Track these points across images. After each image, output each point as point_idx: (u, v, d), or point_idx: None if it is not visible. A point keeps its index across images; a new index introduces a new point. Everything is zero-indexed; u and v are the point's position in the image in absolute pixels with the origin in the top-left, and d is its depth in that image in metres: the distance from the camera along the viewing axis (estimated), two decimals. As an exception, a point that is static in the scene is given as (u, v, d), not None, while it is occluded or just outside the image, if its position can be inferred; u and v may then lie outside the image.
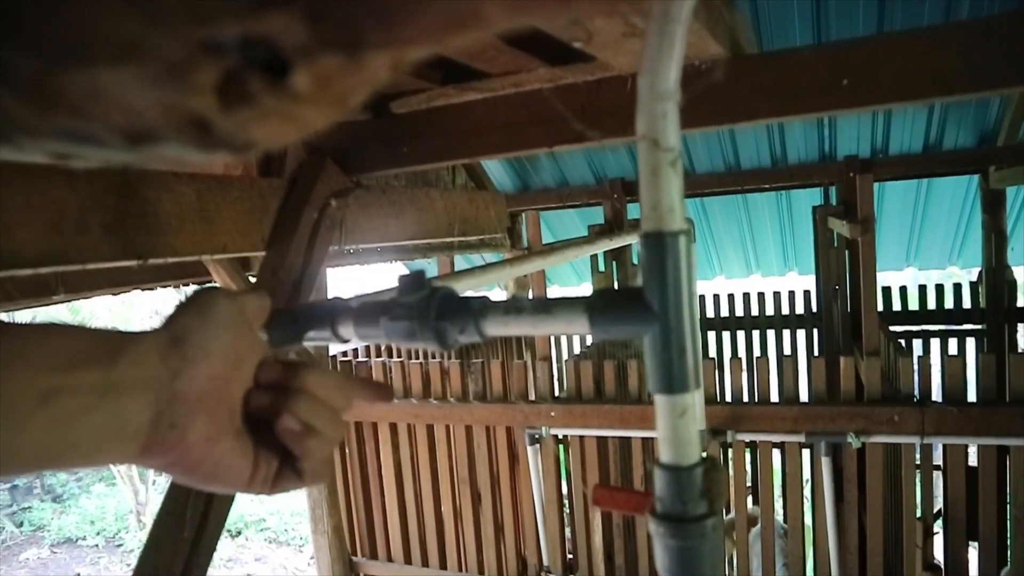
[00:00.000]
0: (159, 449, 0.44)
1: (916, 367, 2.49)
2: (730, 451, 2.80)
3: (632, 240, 3.14)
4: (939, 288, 4.49)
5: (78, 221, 1.23)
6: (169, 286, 2.59)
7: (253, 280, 2.15)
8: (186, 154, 0.32)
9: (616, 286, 3.87)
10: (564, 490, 3.19)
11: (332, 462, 0.55)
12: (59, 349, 0.40)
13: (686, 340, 0.55)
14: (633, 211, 4.13)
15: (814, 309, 4.48)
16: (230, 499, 1.64)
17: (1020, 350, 4.12)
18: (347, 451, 3.40)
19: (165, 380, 0.43)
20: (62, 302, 2.09)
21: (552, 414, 2.92)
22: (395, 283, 0.62)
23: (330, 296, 0.74)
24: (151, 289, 2.53)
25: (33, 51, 0.27)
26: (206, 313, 0.47)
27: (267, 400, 0.51)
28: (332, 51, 0.27)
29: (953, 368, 2.43)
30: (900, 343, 2.93)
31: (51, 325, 0.41)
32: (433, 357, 3.60)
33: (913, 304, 4.55)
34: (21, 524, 8.90)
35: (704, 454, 0.59)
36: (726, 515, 3.26)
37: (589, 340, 4.26)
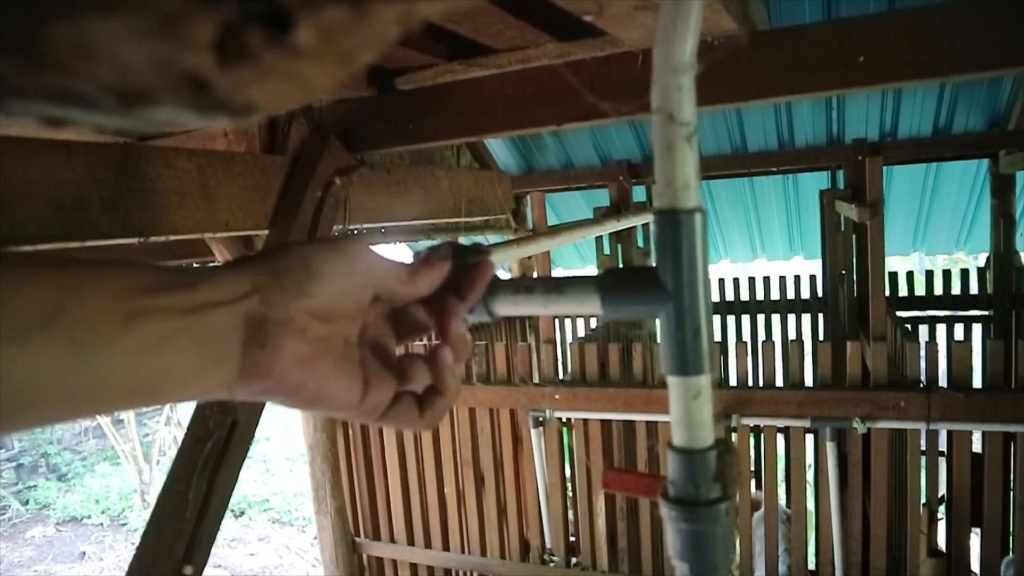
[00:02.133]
0: (254, 373, 0.43)
1: (923, 352, 2.48)
2: (734, 435, 2.79)
3: (638, 222, 3.12)
4: (946, 274, 4.46)
5: (77, 197, 1.21)
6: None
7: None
8: (183, 117, 0.30)
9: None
10: (567, 473, 3.19)
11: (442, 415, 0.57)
12: (136, 277, 0.39)
13: (700, 320, 0.54)
14: (639, 193, 4.10)
15: (819, 294, 4.46)
16: (233, 479, 1.63)
17: (1027, 337, 4.09)
18: (350, 432, 3.40)
19: (255, 302, 0.43)
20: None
21: (556, 397, 2.91)
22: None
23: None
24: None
25: (18, 2, 0.25)
26: (310, 262, 0.46)
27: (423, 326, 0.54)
28: (338, 3, 0.25)
29: (960, 354, 2.42)
30: (907, 328, 2.91)
31: (126, 260, 0.40)
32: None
33: (919, 290, 4.52)
34: (27, 502, 8.97)
35: (716, 437, 0.57)
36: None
37: (594, 323, 4.25)
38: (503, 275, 0.87)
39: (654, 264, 0.55)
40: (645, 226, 4.01)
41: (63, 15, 0.25)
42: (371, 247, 0.51)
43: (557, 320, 4.73)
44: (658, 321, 0.55)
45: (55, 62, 0.26)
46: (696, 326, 0.54)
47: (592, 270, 5.03)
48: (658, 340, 0.57)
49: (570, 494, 3.24)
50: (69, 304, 0.35)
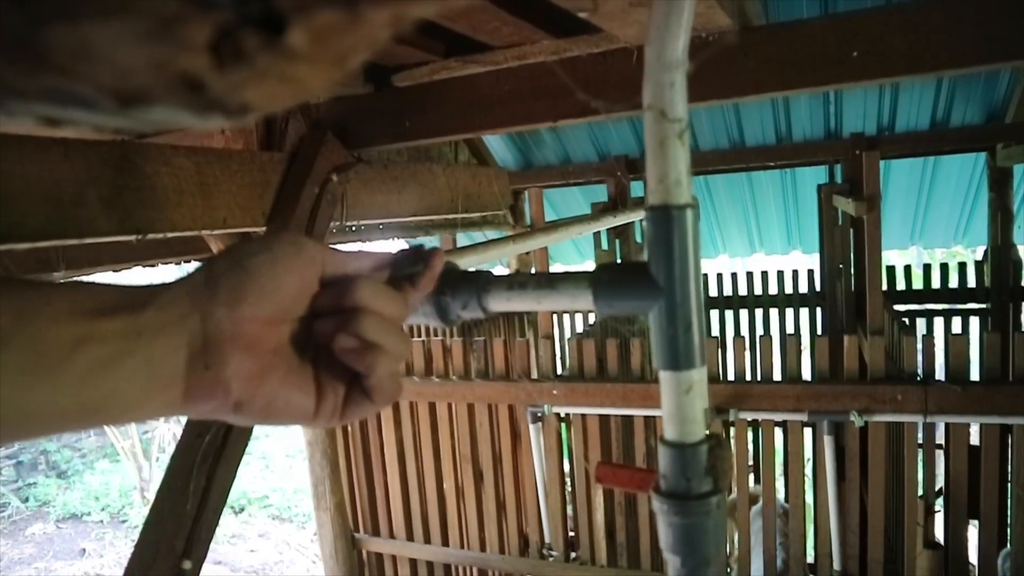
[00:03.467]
0: (200, 394, 0.43)
1: (920, 346, 2.48)
2: (732, 429, 2.80)
3: (636, 217, 3.13)
4: (943, 267, 4.47)
5: (75, 194, 1.21)
6: (170, 262, 2.58)
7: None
8: (180, 118, 0.31)
9: (619, 264, 3.85)
10: (566, 468, 3.20)
11: (400, 379, 0.54)
12: (85, 300, 0.39)
13: (692, 315, 0.54)
14: (637, 189, 4.11)
15: (817, 288, 4.47)
16: (232, 474, 1.64)
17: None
18: (349, 429, 3.41)
19: (196, 322, 0.43)
20: (63, 279, 2.09)
21: (555, 392, 2.92)
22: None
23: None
24: (152, 265, 2.52)
25: (17, 5, 0.26)
26: (242, 259, 0.46)
27: (328, 326, 0.49)
28: (330, 6, 0.26)
29: (957, 347, 2.42)
30: (904, 321, 2.92)
31: (77, 281, 0.41)
32: (435, 334, 3.59)
33: (917, 283, 4.53)
34: (27, 500, 8.97)
35: (709, 431, 0.58)
36: (728, 495, 3.27)
37: (592, 318, 4.26)
38: (500, 271, 0.88)
39: (647, 259, 0.55)
40: (643, 221, 4.01)
41: (61, 18, 0.26)
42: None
43: (555, 316, 4.74)
44: (651, 316, 0.56)
45: (53, 64, 0.27)
46: (688, 321, 0.55)
47: (591, 266, 5.03)
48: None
49: (569, 489, 3.25)
50: (22, 329, 0.36)
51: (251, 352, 0.45)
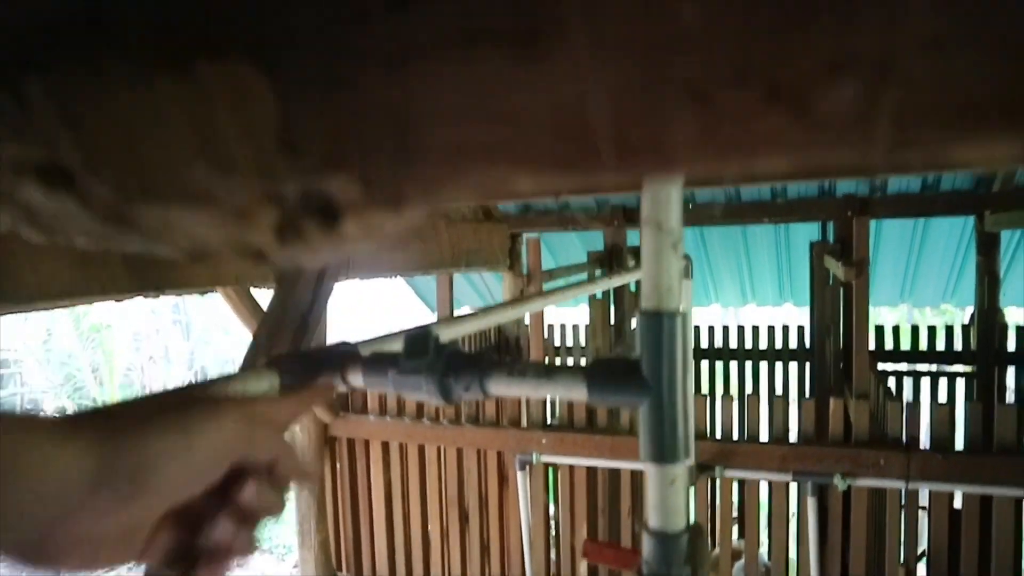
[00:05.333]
0: None
1: (904, 412, 2.52)
2: (718, 484, 2.82)
3: (630, 279, 3.18)
4: (931, 329, 4.53)
5: (100, 254, 1.26)
6: (170, 294, 2.61)
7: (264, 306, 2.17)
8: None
9: (613, 315, 3.90)
10: (551, 511, 3.20)
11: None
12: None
13: (678, 414, 0.59)
14: (632, 238, 4.16)
15: (807, 344, 4.51)
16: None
17: (1007, 399, 4.14)
18: (338, 467, 3.41)
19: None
20: (65, 307, 2.12)
21: (543, 441, 2.93)
22: (401, 334, 0.66)
23: (336, 341, 0.76)
24: (154, 296, 2.55)
25: (111, 183, 0.31)
26: (149, 463, 0.38)
27: (226, 536, 0.47)
28: (380, 207, 0.30)
29: (941, 415, 2.46)
30: (890, 388, 2.96)
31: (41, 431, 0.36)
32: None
33: (905, 342, 4.58)
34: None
35: (690, 521, 0.62)
36: (712, 551, 3.28)
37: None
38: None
39: (639, 356, 0.60)
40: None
41: (151, 199, 0.31)
42: (245, 404, 0.44)
43: (547, 363, 4.76)
44: (640, 411, 0.60)
45: (140, 230, 0.32)
46: (674, 419, 0.59)
47: (584, 309, 5.06)
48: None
49: (553, 533, 3.25)
50: None
51: (119, 538, 0.40)
